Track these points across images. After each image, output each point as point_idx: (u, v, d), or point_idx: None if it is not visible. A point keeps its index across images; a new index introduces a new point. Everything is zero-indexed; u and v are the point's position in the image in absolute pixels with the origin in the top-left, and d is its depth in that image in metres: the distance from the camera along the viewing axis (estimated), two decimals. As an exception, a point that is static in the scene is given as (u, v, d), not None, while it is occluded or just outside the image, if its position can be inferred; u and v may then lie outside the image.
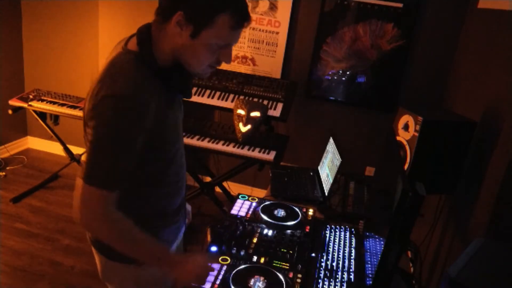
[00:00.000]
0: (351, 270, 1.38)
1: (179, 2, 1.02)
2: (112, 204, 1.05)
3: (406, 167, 1.85)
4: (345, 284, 1.31)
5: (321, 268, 1.37)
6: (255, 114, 2.59)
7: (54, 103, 3.02)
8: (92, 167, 1.03)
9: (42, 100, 3.04)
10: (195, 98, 2.77)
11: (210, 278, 1.22)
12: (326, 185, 1.98)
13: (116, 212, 1.06)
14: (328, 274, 1.34)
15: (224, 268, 1.27)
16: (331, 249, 1.49)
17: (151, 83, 1.07)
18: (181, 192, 1.34)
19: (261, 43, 3.18)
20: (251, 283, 1.20)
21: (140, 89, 1.03)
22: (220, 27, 1.03)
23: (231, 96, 2.78)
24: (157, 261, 1.14)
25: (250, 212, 1.64)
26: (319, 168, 2.24)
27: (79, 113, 2.94)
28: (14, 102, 3.04)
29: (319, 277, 1.32)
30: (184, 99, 1.27)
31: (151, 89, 1.06)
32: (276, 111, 2.69)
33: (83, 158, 1.06)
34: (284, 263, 1.33)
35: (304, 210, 1.70)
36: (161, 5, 1.07)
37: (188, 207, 1.60)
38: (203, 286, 1.19)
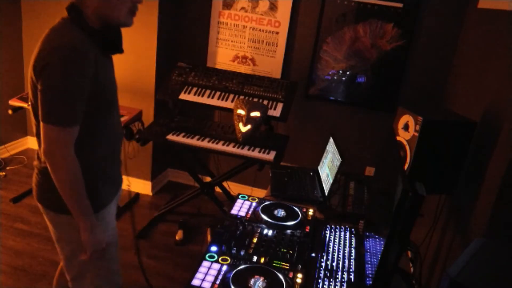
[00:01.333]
0: (351, 270, 1.38)
1: None
2: (70, 143, 1.23)
3: (406, 167, 1.85)
4: (345, 284, 1.31)
5: (321, 268, 1.37)
6: (255, 114, 2.59)
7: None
8: (49, 108, 1.19)
9: (42, 100, 3.04)
10: (195, 98, 2.78)
11: (210, 278, 1.22)
12: (326, 185, 1.98)
13: (73, 153, 1.25)
14: (328, 274, 1.34)
15: (224, 268, 1.27)
16: (331, 249, 1.49)
17: (85, 39, 1.24)
18: (116, 154, 1.49)
19: (261, 43, 3.18)
20: (251, 283, 1.20)
21: (80, 41, 1.21)
22: None
23: (231, 96, 2.78)
24: (81, 216, 1.32)
25: (250, 212, 1.64)
26: (319, 168, 2.24)
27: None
28: (14, 102, 3.03)
29: (319, 277, 1.32)
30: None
31: (86, 44, 1.23)
32: (276, 111, 2.69)
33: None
34: (284, 263, 1.33)
35: (304, 210, 1.70)
36: None
37: None
38: (203, 286, 1.19)
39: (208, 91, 2.81)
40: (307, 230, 1.55)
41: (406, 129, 1.89)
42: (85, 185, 1.31)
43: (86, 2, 1.26)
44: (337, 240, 1.56)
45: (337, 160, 1.93)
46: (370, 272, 1.41)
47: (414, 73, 2.97)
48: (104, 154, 1.41)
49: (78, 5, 1.27)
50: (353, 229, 1.65)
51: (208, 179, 3.24)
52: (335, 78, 3.10)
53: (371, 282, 1.35)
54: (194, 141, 2.57)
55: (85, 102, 1.24)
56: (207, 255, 1.33)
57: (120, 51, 1.39)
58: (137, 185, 3.45)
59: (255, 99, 2.75)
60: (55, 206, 1.36)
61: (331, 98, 3.15)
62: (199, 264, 1.28)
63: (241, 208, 1.66)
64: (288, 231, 1.53)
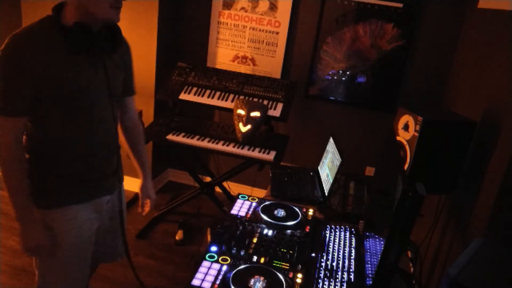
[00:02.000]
0: (351, 270, 1.38)
1: None
2: (9, 131, 1.26)
3: (406, 167, 1.85)
4: (345, 284, 1.31)
5: (321, 268, 1.37)
6: (255, 114, 2.59)
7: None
8: None
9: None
10: (195, 98, 2.78)
11: (210, 278, 1.22)
12: (326, 185, 1.98)
13: (13, 144, 1.28)
14: (328, 274, 1.34)
15: (224, 268, 1.27)
16: (331, 249, 1.49)
17: (49, 36, 1.24)
18: (89, 156, 1.42)
19: (261, 43, 3.18)
20: (251, 283, 1.20)
21: (31, 35, 1.22)
22: None
23: (231, 96, 2.78)
24: (19, 213, 1.33)
25: (250, 212, 1.64)
26: (319, 168, 2.24)
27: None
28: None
29: (319, 277, 1.32)
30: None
31: (44, 40, 1.23)
32: (276, 111, 2.69)
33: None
34: (284, 263, 1.33)
35: (304, 210, 1.70)
36: None
37: (153, 194, 1.80)
38: (203, 286, 1.19)
39: (208, 91, 2.81)
40: (307, 230, 1.55)
41: (406, 129, 1.89)
42: (37, 178, 1.35)
43: (68, 5, 1.26)
44: (337, 240, 1.56)
45: (337, 160, 1.93)
46: (370, 272, 1.41)
47: (414, 73, 2.97)
48: (66, 153, 1.37)
49: (63, 4, 1.27)
50: (353, 229, 1.65)
51: (208, 179, 3.24)
52: (335, 78, 3.10)
53: (371, 282, 1.35)
54: (194, 141, 2.57)
55: (29, 94, 1.24)
56: (207, 255, 1.33)
57: (113, 50, 1.35)
58: (137, 185, 3.44)
59: (255, 99, 2.75)
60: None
61: (331, 98, 3.15)
62: (199, 264, 1.28)
63: (241, 208, 1.66)
64: (288, 231, 1.53)
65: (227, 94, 2.79)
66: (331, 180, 1.93)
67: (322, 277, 1.32)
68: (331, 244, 1.52)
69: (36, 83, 1.23)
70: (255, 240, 1.45)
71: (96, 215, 1.51)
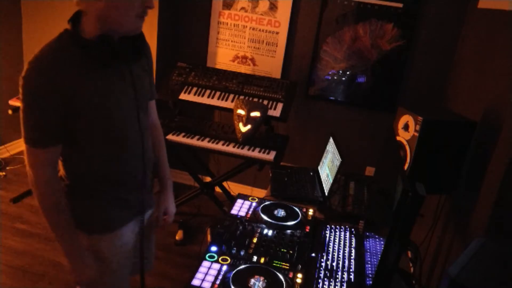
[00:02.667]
0: (351, 270, 1.38)
1: None
2: (44, 164, 1.18)
3: (406, 167, 1.85)
4: (345, 284, 1.31)
5: (321, 268, 1.37)
6: (255, 114, 2.59)
7: (54, 103, 3.01)
8: (23, 128, 1.15)
9: (42, 100, 3.04)
10: (195, 98, 2.78)
11: (210, 278, 1.22)
12: (326, 185, 1.98)
13: (49, 175, 1.20)
14: (328, 274, 1.34)
15: (224, 268, 1.27)
16: (331, 249, 1.49)
17: (72, 52, 1.14)
18: (125, 175, 1.34)
19: (261, 43, 3.18)
20: (251, 283, 1.20)
21: (54, 54, 1.12)
22: None
23: (231, 96, 2.78)
24: (67, 249, 1.28)
25: (250, 212, 1.63)
26: (319, 168, 2.24)
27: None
28: (14, 102, 3.04)
29: (319, 277, 1.32)
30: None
31: (69, 58, 1.13)
32: (276, 111, 2.69)
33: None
34: (284, 263, 1.33)
35: (304, 210, 1.70)
36: None
37: (173, 208, 1.62)
38: (203, 286, 1.19)
39: (208, 91, 2.81)
40: (307, 230, 1.55)
41: (406, 129, 1.89)
42: (79, 206, 1.27)
43: (89, 8, 1.13)
44: (337, 240, 1.56)
45: (337, 160, 1.92)
46: (370, 272, 1.41)
47: (414, 73, 2.97)
48: (103, 173, 1.29)
49: (82, 14, 1.16)
50: (353, 229, 1.65)
51: (208, 179, 3.24)
52: (335, 78, 3.10)
53: (371, 282, 1.35)
54: (194, 141, 2.57)
55: (62, 120, 1.15)
56: (207, 255, 1.33)
57: (124, 61, 1.23)
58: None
59: (255, 99, 2.75)
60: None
61: (331, 98, 3.15)
62: (199, 264, 1.28)
63: (241, 208, 1.66)
64: (288, 231, 1.53)
65: (227, 94, 2.79)
66: (331, 180, 1.93)
67: (322, 277, 1.32)
68: (331, 244, 1.52)
69: (67, 106, 1.13)
70: (255, 240, 1.44)
71: (138, 230, 1.46)
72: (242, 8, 3.14)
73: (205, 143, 2.56)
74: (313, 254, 1.42)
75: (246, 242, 1.42)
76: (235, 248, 1.36)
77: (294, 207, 1.69)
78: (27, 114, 1.13)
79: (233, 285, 1.19)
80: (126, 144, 1.30)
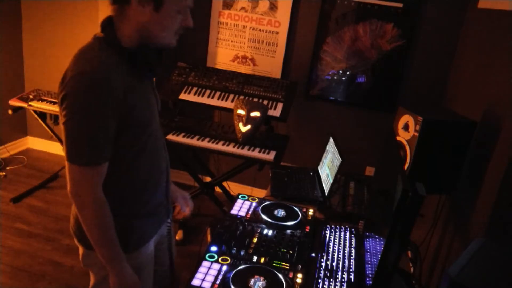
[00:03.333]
0: (351, 270, 1.38)
1: None
2: (96, 183, 1.12)
3: (406, 167, 1.85)
4: (345, 284, 1.31)
5: (321, 268, 1.37)
6: (255, 114, 2.59)
7: (54, 103, 3.02)
8: (71, 145, 1.08)
9: (42, 100, 3.04)
10: (195, 98, 2.77)
11: (210, 278, 1.22)
12: (326, 185, 1.98)
13: (100, 194, 1.13)
14: (328, 274, 1.34)
15: (224, 268, 1.27)
16: (331, 249, 1.49)
17: (116, 63, 1.11)
18: (158, 185, 1.33)
19: (261, 43, 3.18)
20: (251, 283, 1.20)
21: (107, 66, 1.08)
22: None
23: (231, 96, 2.78)
24: (109, 262, 1.21)
25: (250, 212, 1.64)
26: (319, 168, 2.24)
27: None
28: (14, 102, 3.04)
29: (319, 277, 1.32)
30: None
31: (116, 69, 1.10)
32: (276, 111, 2.69)
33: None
34: (284, 263, 1.33)
35: (304, 210, 1.70)
36: None
37: (184, 193, 1.61)
38: (203, 286, 1.19)
39: (208, 91, 2.81)
40: (307, 230, 1.55)
41: (406, 129, 1.89)
42: (120, 224, 1.20)
43: (128, 17, 1.11)
44: (337, 240, 1.56)
45: (337, 160, 1.93)
46: (370, 272, 1.41)
47: (414, 73, 2.97)
48: (142, 186, 1.27)
49: (115, 21, 1.13)
50: (353, 229, 1.65)
51: (208, 179, 3.24)
52: (335, 78, 3.10)
53: (371, 282, 1.35)
54: (194, 141, 2.57)
55: (114, 135, 1.10)
56: (207, 255, 1.33)
57: (154, 75, 1.25)
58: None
59: (255, 99, 2.75)
60: (88, 243, 1.22)
61: (331, 98, 3.15)
62: (199, 264, 1.28)
63: (241, 208, 1.66)
64: (288, 231, 1.53)
65: (227, 94, 2.79)
66: (331, 180, 1.93)
67: (322, 277, 1.32)
68: (331, 244, 1.52)
69: (119, 119, 1.10)
70: (255, 240, 1.44)
71: (155, 237, 1.43)
72: (242, 8, 3.14)
73: (205, 143, 2.56)
74: (313, 254, 1.42)
75: (246, 242, 1.42)
76: (235, 248, 1.36)
77: (294, 207, 1.69)
78: (80, 130, 1.06)
79: (233, 285, 1.19)
80: (158, 154, 1.31)
